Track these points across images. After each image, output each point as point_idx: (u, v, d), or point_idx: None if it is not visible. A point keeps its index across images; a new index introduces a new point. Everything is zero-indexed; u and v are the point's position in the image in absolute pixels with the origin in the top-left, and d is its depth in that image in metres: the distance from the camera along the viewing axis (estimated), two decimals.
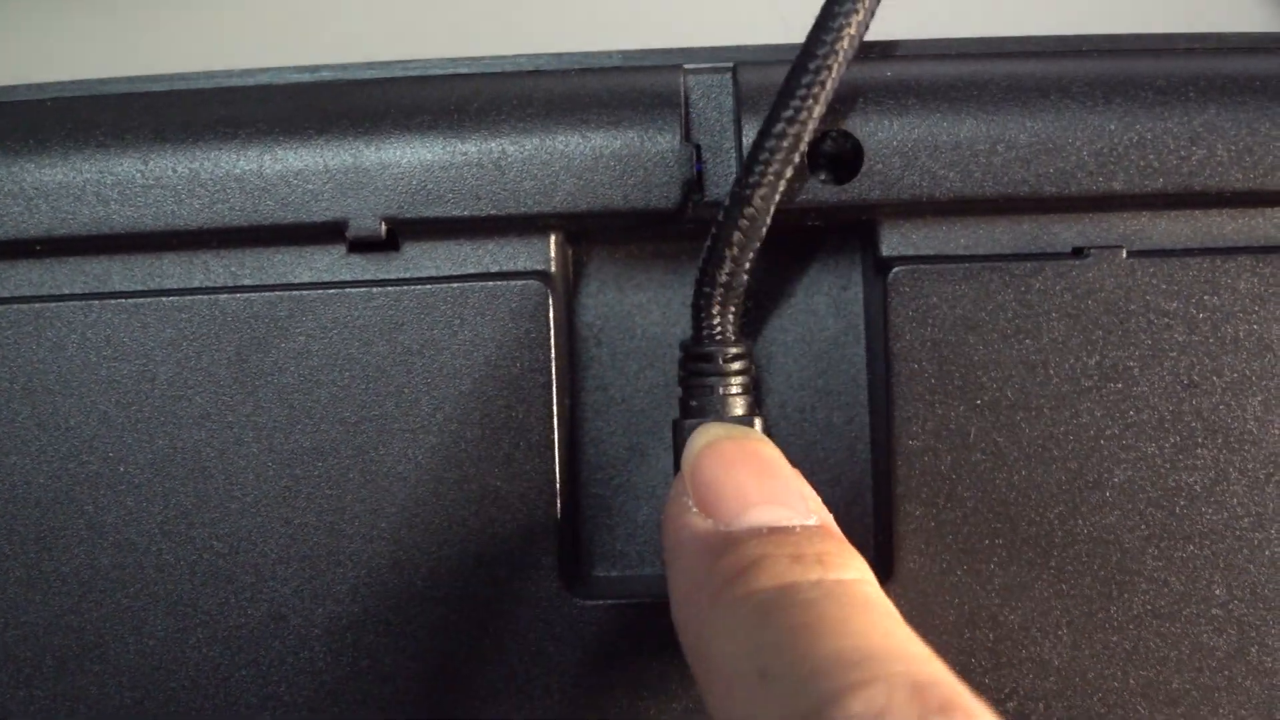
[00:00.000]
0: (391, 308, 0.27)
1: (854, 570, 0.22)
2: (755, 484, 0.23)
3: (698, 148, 0.27)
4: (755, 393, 0.27)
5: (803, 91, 0.25)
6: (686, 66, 0.27)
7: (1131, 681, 0.26)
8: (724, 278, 0.26)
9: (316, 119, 0.27)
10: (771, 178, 0.25)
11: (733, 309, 0.26)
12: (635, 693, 0.26)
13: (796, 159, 0.25)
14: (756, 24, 0.29)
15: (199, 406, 0.26)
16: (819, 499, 0.24)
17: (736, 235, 0.25)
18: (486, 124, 0.27)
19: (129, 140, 0.27)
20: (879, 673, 0.19)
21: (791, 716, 0.19)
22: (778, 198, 0.25)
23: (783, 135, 0.25)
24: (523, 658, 0.26)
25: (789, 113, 0.25)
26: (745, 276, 0.26)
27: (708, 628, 0.21)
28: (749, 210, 0.25)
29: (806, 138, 0.25)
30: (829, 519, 0.23)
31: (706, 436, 0.24)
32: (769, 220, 0.25)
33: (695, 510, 0.23)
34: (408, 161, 0.26)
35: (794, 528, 0.23)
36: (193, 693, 0.27)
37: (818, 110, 0.25)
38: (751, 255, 0.26)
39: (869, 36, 0.27)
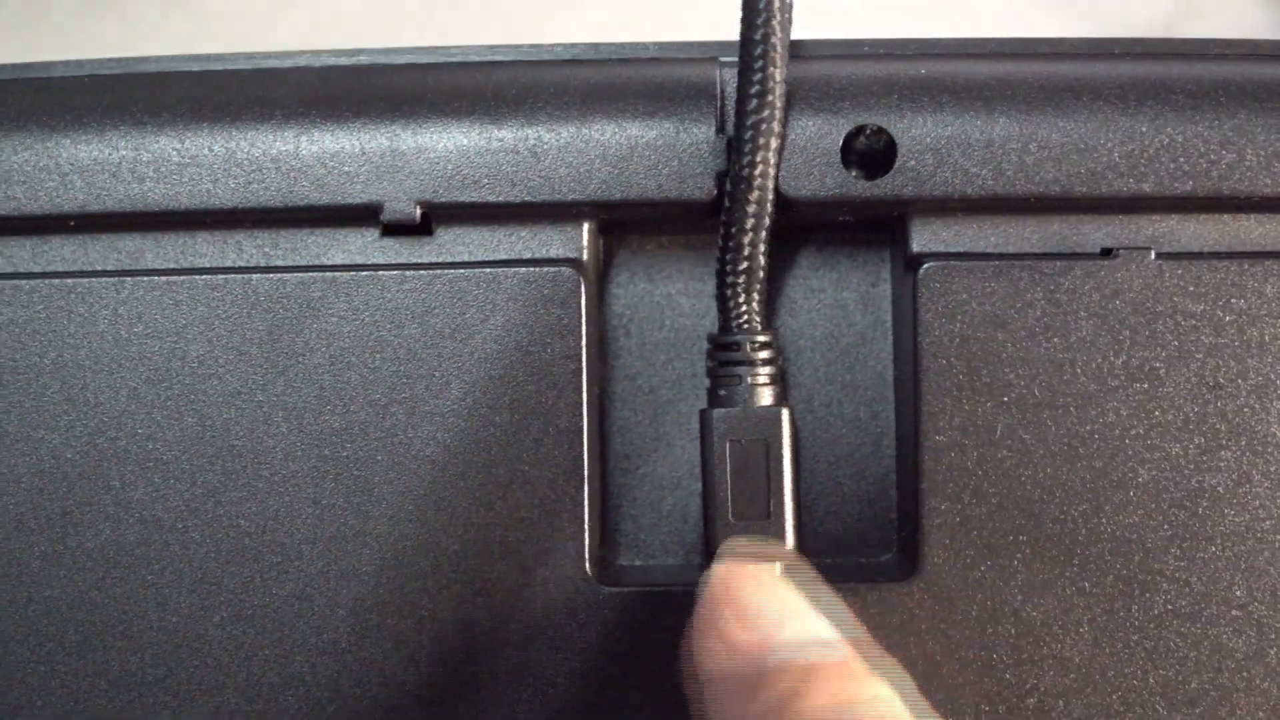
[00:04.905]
0: (423, 291, 0.27)
1: (887, 694, 0.22)
2: (780, 614, 0.23)
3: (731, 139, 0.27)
4: (783, 383, 0.27)
5: (759, 60, 0.26)
6: (722, 59, 0.27)
7: (1151, 681, 0.26)
8: (742, 264, 0.26)
9: (354, 102, 0.27)
10: (762, 156, 0.26)
11: (756, 297, 0.27)
12: (659, 680, 0.26)
13: (778, 129, 0.26)
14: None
15: (229, 385, 0.27)
16: (849, 615, 0.24)
17: (745, 220, 0.26)
18: (523, 111, 0.27)
19: (166, 119, 0.27)
20: None
21: None
22: (774, 176, 0.26)
23: (759, 109, 0.26)
24: (547, 644, 0.26)
25: (756, 84, 0.26)
26: (763, 261, 0.26)
27: None
28: (752, 194, 0.26)
29: (779, 103, 0.26)
30: (860, 637, 0.23)
31: (727, 566, 0.24)
32: (771, 202, 0.26)
33: (723, 646, 0.23)
34: (443, 147, 0.27)
35: (835, 650, 0.23)
36: (215, 671, 0.27)
37: (778, 73, 0.26)
38: (764, 240, 0.26)
39: (904, 34, 0.27)
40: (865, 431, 0.28)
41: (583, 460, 0.26)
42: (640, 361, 0.29)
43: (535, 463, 0.26)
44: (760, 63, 0.26)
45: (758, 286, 0.27)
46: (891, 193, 0.26)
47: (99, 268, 0.27)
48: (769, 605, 0.23)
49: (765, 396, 0.27)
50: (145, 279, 0.27)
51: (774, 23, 0.26)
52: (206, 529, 0.27)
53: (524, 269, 0.27)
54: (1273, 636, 0.26)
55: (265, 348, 0.27)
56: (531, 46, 0.28)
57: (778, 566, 0.24)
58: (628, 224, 0.28)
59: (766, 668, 0.22)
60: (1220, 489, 0.26)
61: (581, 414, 0.27)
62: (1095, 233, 0.27)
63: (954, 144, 0.26)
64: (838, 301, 0.29)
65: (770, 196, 0.26)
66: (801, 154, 0.26)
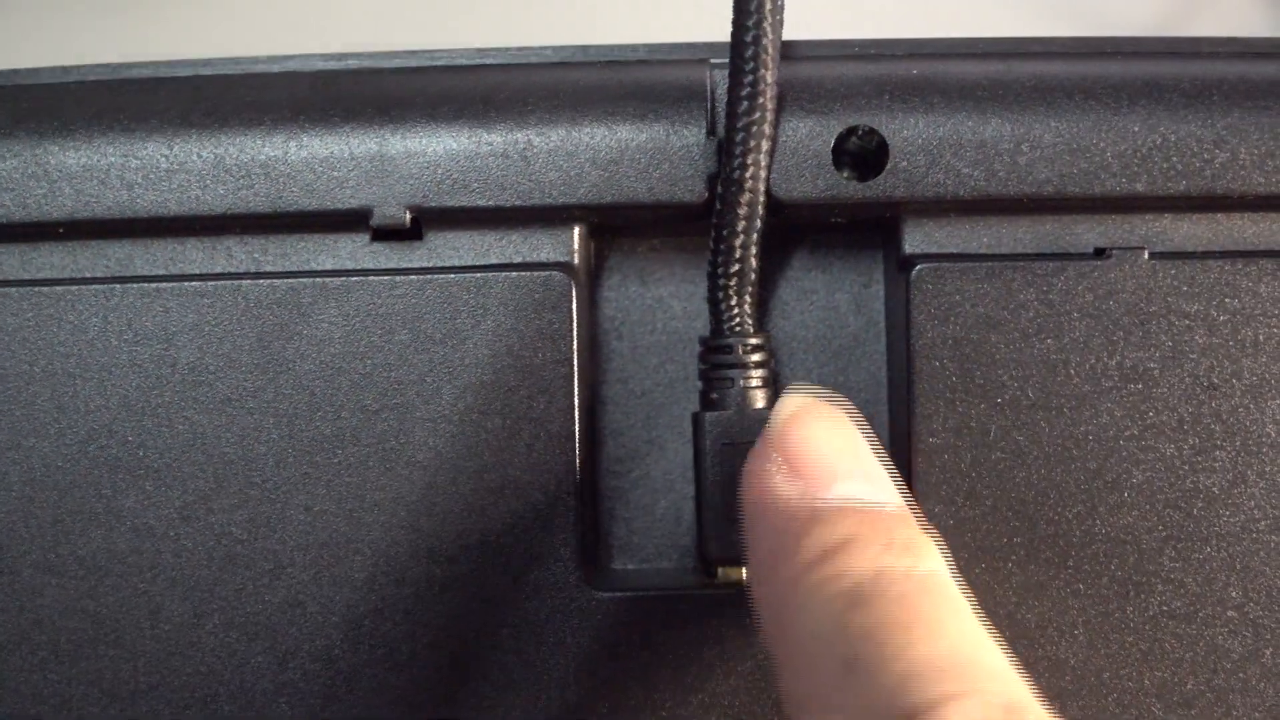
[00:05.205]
0: (414, 296, 0.27)
1: (939, 561, 0.21)
2: (847, 455, 0.23)
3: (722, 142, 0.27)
4: (775, 385, 0.27)
5: (750, 62, 0.26)
6: (712, 61, 0.27)
7: (1147, 682, 0.26)
8: (733, 267, 0.26)
9: (342, 106, 0.27)
10: (752, 159, 0.26)
11: (748, 299, 0.27)
12: (652, 685, 0.26)
13: (769, 131, 0.26)
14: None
15: (220, 392, 0.26)
16: (899, 479, 0.23)
17: (737, 222, 0.26)
18: (512, 115, 0.27)
19: (154, 124, 0.27)
20: (972, 687, 0.19)
21: (878, 715, 0.19)
22: (765, 178, 0.26)
23: (750, 111, 0.25)
24: (540, 649, 0.26)
25: (746, 85, 0.26)
26: (755, 263, 0.26)
27: (793, 602, 0.21)
28: (743, 196, 0.26)
29: (770, 105, 0.26)
30: (908, 503, 0.23)
31: (801, 398, 0.23)
32: (763, 204, 0.26)
33: (782, 473, 0.22)
34: (433, 151, 0.26)
35: (883, 509, 0.22)
36: (208, 678, 0.26)
37: (768, 74, 0.25)
38: (756, 240, 0.26)
39: (896, 34, 0.27)
40: None
41: (575, 464, 0.26)
42: (632, 365, 0.29)
43: (527, 467, 0.26)
44: (751, 64, 0.26)
45: (749, 289, 0.27)
46: (883, 194, 0.26)
47: (88, 275, 0.27)
48: (838, 440, 0.23)
49: (758, 399, 0.26)
50: (135, 286, 0.27)
51: (765, 24, 0.26)
52: (198, 536, 0.26)
53: (515, 273, 0.27)
54: (1268, 637, 0.26)
55: (256, 354, 0.27)
56: (520, 49, 0.28)
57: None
58: (618, 227, 0.28)
59: (826, 504, 0.22)
60: (1215, 490, 0.26)
61: (573, 418, 0.26)
62: (1088, 233, 0.27)
63: (946, 144, 0.26)
64: (830, 303, 0.29)
65: (761, 199, 0.26)
66: (792, 156, 0.26)
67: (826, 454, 0.22)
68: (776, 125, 0.26)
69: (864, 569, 0.21)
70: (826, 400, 0.24)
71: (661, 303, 0.29)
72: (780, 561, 0.22)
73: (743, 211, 0.26)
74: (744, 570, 0.26)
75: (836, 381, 0.28)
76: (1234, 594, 0.26)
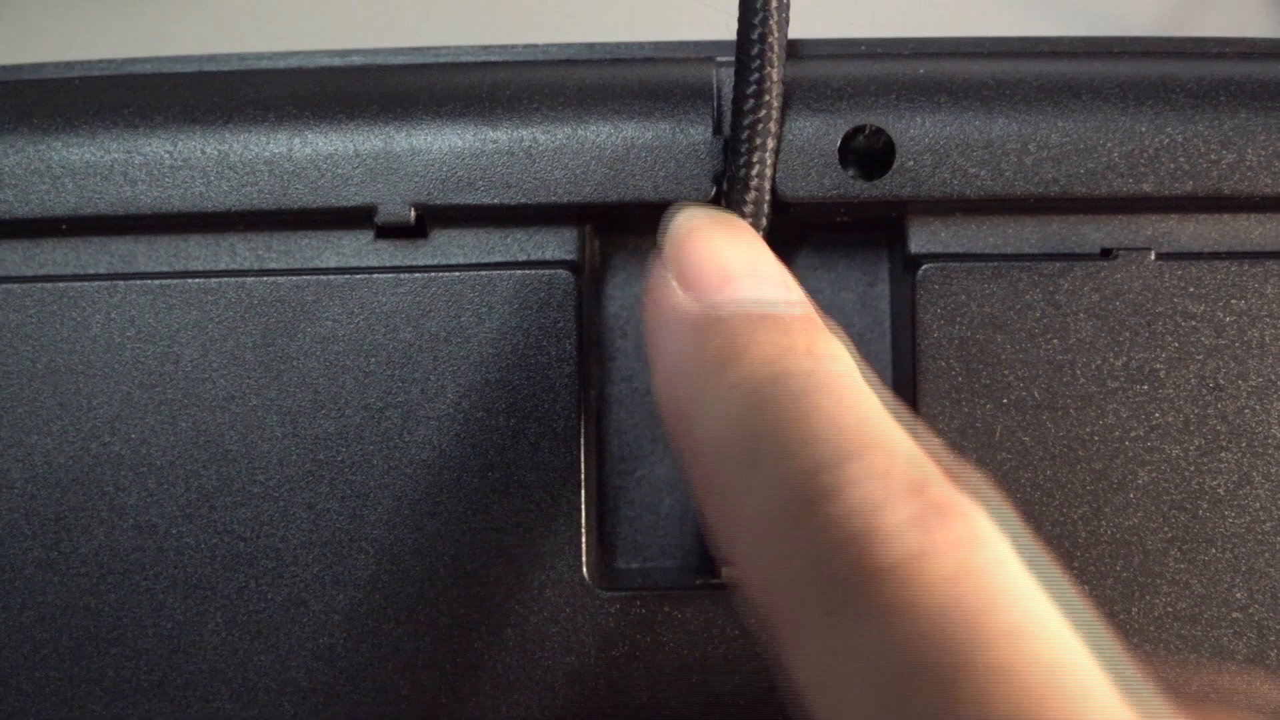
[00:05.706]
0: (418, 294, 0.26)
1: (842, 361, 0.21)
2: (739, 258, 0.22)
3: (728, 140, 0.27)
4: None
5: (757, 60, 0.25)
6: (719, 59, 0.27)
7: (1151, 683, 0.26)
8: None
9: (347, 103, 0.27)
10: (759, 157, 0.26)
11: None
12: (657, 684, 0.26)
13: (775, 129, 0.26)
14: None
15: (223, 389, 0.26)
16: (800, 289, 0.23)
17: (743, 219, 0.26)
18: (518, 112, 0.26)
19: (158, 121, 0.27)
20: (875, 467, 0.19)
21: (783, 505, 0.19)
22: (771, 177, 0.26)
23: (756, 110, 0.25)
24: (545, 648, 0.26)
25: (753, 84, 0.26)
26: None
27: (694, 411, 0.21)
28: (749, 195, 0.26)
29: (776, 104, 0.26)
30: (812, 309, 0.22)
31: (689, 212, 0.23)
32: (768, 203, 0.26)
33: (678, 287, 0.22)
34: (438, 148, 0.26)
35: (780, 314, 0.22)
36: (210, 677, 0.26)
37: (775, 73, 0.25)
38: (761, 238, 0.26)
39: (903, 33, 0.27)
40: None
41: (579, 463, 0.26)
42: (637, 363, 0.28)
43: (531, 466, 0.26)
44: (757, 63, 0.26)
45: None
46: (890, 193, 0.26)
47: (91, 271, 0.27)
48: (731, 245, 0.22)
49: None
50: (138, 283, 0.27)
51: (771, 22, 0.25)
52: (201, 534, 0.26)
53: (519, 271, 0.27)
54: (1273, 639, 0.26)
55: (259, 351, 0.26)
56: (526, 46, 0.28)
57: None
58: (624, 225, 0.28)
59: (721, 314, 0.22)
60: (1220, 491, 0.26)
61: (577, 417, 0.26)
62: (1095, 233, 0.27)
63: (953, 144, 0.26)
64: (835, 303, 0.28)
65: (767, 198, 0.26)
66: (799, 155, 0.26)
67: (720, 259, 0.22)
68: (782, 124, 0.26)
69: (762, 371, 0.20)
70: (719, 213, 0.24)
71: None
72: (682, 369, 0.21)
73: (748, 210, 0.26)
74: None
75: None
76: (1239, 595, 0.26)
